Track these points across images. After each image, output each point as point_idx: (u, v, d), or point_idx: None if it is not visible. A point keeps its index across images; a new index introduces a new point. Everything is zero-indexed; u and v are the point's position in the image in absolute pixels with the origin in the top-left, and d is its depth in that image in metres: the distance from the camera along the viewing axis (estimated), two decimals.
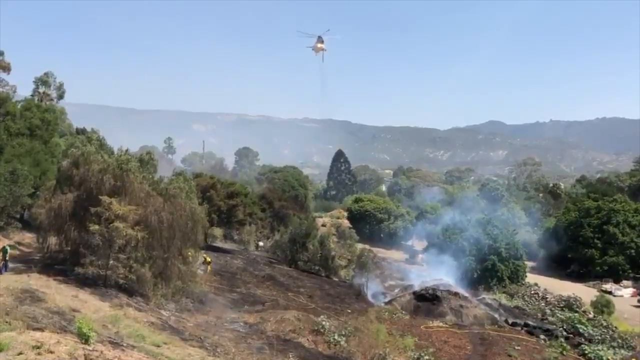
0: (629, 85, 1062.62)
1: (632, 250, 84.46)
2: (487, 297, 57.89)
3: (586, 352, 40.31)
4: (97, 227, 33.05)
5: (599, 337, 45.26)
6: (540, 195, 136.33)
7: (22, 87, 73.47)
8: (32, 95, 73.36)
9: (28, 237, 46.03)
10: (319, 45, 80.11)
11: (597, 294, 67.09)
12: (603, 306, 60.09)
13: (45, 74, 75.90)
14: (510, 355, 37.03)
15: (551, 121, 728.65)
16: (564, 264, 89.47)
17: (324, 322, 35.33)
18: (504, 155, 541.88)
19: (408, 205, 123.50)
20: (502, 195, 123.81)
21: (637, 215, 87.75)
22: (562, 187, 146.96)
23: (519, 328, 46.38)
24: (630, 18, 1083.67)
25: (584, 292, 66.90)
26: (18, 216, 48.11)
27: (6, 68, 67.79)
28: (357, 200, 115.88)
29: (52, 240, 37.72)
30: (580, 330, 46.58)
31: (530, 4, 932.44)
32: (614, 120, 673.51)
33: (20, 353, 15.38)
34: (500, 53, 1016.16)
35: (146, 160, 41.26)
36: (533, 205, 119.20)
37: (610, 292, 72.21)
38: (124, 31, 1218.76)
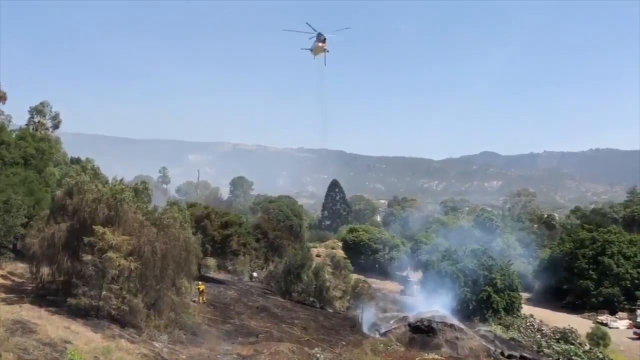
0: (622, 117, 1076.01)
1: (628, 282, 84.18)
2: (483, 328, 57.44)
3: None
4: (90, 257, 32.89)
5: None
6: (535, 226, 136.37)
7: (17, 117, 73.78)
8: (27, 125, 73.59)
9: (21, 267, 45.60)
10: (320, 44, 66.69)
11: (593, 325, 66.73)
12: (599, 338, 59.82)
13: (41, 103, 76.33)
14: None
15: (545, 152, 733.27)
16: (559, 295, 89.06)
17: (318, 355, 34.99)
18: (499, 185, 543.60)
19: (403, 236, 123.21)
20: (497, 226, 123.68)
21: (631, 247, 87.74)
22: (557, 218, 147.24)
23: None
24: (623, 50, 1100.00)
25: (580, 324, 66.48)
26: (11, 246, 47.73)
27: (2, 97, 68.16)
28: (352, 231, 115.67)
29: (45, 270, 37.46)
30: None
31: (524, 36, 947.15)
32: (608, 151, 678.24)
33: None
34: (494, 84, 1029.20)
35: (140, 190, 41.22)
36: (528, 236, 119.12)
37: (605, 324, 71.87)
38: (120, 61, 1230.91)
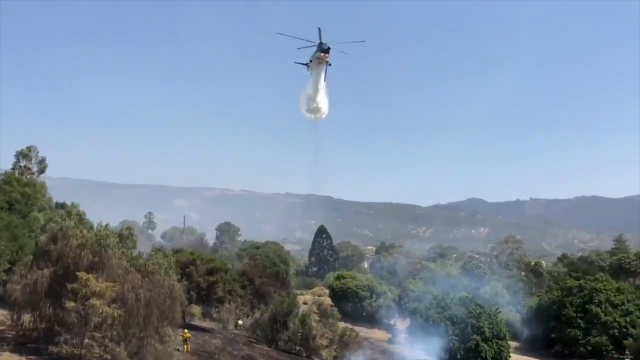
0: (607, 165, 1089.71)
1: (615, 330, 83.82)
2: None
3: None
4: (73, 304, 32.34)
5: None
6: (523, 273, 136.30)
7: (3, 161, 73.45)
8: (12, 169, 73.19)
9: (1, 314, 44.67)
10: (322, 55, 58.79)
11: None
12: None
13: (28, 147, 76.07)
14: None
15: (531, 199, 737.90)
16: (548, 343, 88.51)
17: None
18: (486, 232, 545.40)
19: (390, 283, 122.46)
20: (485, 273, 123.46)
21: (619, 295, 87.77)
22: (544, 265, 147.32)
23: None
24: (608, 98, 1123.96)
25: None
26: None
27: None
28: (339, 278, 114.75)
29: (26, 317, 36.75)
30: None
31: (510, 84, 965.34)
32: (594, 198, 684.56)
33: None
34: (479, 131, 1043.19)
35: (125, 236, 40.85)
36: (516, 284, 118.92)
37: None
38: (107, 105, 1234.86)
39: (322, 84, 62.78)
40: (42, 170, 76.83)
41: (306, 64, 61.95)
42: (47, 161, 77.75)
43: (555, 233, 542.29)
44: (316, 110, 64.71)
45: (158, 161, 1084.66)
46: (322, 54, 58.16)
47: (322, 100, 64.14)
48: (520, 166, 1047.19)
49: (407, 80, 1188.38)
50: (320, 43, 57.64)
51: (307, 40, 57.73)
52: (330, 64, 59.56)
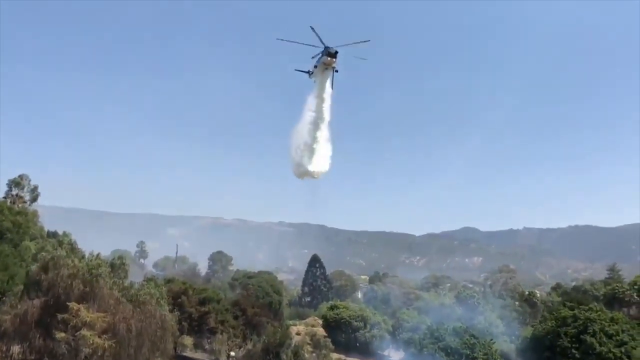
0: (600, 194, 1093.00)
1: None
2: None
3: None
4: (63, 334, 32.02)
5: None
6: (517, 303, 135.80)
7: None
8: (5, 197, 73.00)
9: None
10: (329, 59, 53.36)
11: None
12: None
13: (20, 176, 76.06)
14: None
15: (525, 228, 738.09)
16: None
17: None
18: (480, 262, 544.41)
19: (384, 313, 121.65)
20: (479, 303, 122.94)
21: (613, 325, 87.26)
22: (538, 295, 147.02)
23: None
24: (600, 130, 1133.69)
25: None
26: None
27: None
28: (332, 308, 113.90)
29: (16, 349, 36.24)
30: None
31: (503, 116, 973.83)
32: (587, 228, 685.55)
33: None
34: (473, 160, 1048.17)
35: (117, 265, 40.72)
36: (510, 314, 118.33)
37: None
38: (100, 133, 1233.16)
39: (327, 92, 58.18)
40: (34, 199, 76.75)
41: (308, 72, 58.08)
42: (39, 189, 77.66)
43: (548, 262, 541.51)
44: (308, 174, 61.05)
45: (150, 190, 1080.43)
46: (328, 59, 53.57)
47: (319, 156, 60.25)
48: (514, 195, 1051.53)
49: (401, 112, 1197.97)
50: (326, 47, 52.91)
51: (309, 45, 52.95)
52: (337, 70, 54.97)
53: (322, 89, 57.80)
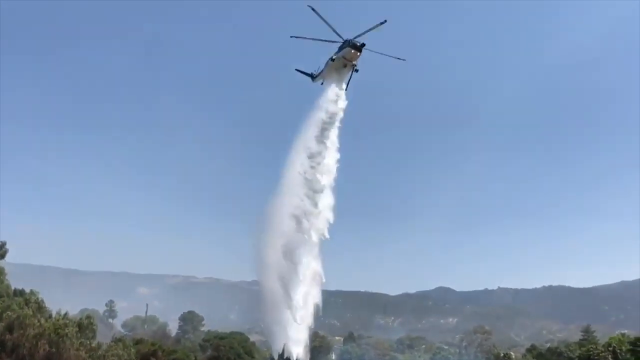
0: (574, 255, 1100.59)
1: None
2: None
3: None
4: None
5: None
6: None
7: None
8: None
9: None
10: (353, 52, 44.15)
11: None
12: None
13: None
14: None
15: (499, 288, 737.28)
16: None
17: None
18: (455, 322, 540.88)
19: None
20: None
21: None
22: (514, 357, 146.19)
23: None
24: (574, 188, 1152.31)
25: None
26: None
27: None
28: None
29: None
30: None
31: (473, 172, 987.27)
32: (560, 288, 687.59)
33: None
34: (447, 221, 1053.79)
35: (85, 325, 39.60)
36: None
37: None
38: (69, 191, 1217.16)
39: (342, 93, 48.55)
40: (1, 256, 74.81)
41: (310, 74, 50.23)
42: (7, 246, 75.89)
43: (523, 323, 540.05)
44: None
45: (119, 247, 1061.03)
46: (352, 52, 44.75)
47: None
48: (488, 255, 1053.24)
49: (373, 171, 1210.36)
50: (348, 40, 43.74)
51: (325, 41, 44.39)
52: (357, 70, 46.82)
53: (335, 89, 47.52)
